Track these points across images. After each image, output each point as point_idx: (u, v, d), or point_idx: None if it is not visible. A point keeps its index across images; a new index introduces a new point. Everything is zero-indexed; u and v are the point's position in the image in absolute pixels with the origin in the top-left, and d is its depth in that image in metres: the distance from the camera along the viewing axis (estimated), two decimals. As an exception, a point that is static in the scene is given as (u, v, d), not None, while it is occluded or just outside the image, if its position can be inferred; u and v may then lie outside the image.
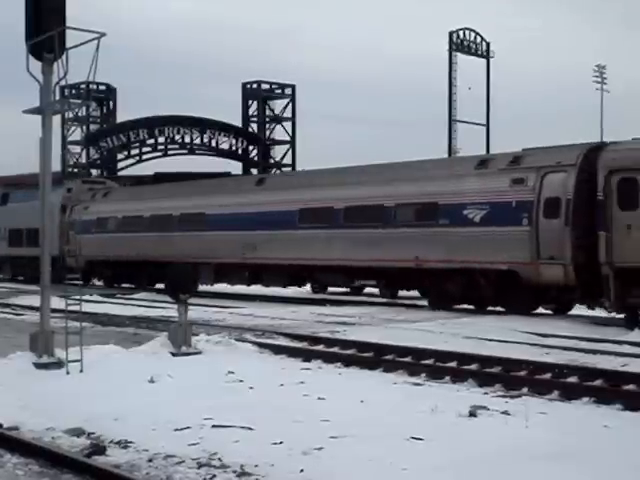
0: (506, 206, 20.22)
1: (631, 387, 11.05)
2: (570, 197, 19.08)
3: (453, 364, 13.11)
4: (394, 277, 23.91)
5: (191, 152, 58.42)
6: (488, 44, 65.06)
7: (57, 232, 35.80)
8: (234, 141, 58.88)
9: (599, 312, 20.11)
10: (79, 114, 49.13)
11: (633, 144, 18.85)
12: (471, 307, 22.25)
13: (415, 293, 25.24)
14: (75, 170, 55.08)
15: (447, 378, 12.19)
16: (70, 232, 34.51)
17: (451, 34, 63.44)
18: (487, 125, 64.58)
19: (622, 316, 18.30)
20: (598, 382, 11.49)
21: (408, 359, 13.79)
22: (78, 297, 12.83)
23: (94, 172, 56.41)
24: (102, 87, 57.20)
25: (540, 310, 21.02)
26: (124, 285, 32.79)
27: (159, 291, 28.79)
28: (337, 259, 24.26)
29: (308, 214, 25.36)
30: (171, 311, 17.96)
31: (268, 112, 61.48)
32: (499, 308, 21.39)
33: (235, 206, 28.10)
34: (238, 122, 60.43)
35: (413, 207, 22.79)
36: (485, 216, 20.71)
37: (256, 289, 30.43)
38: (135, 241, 30.35)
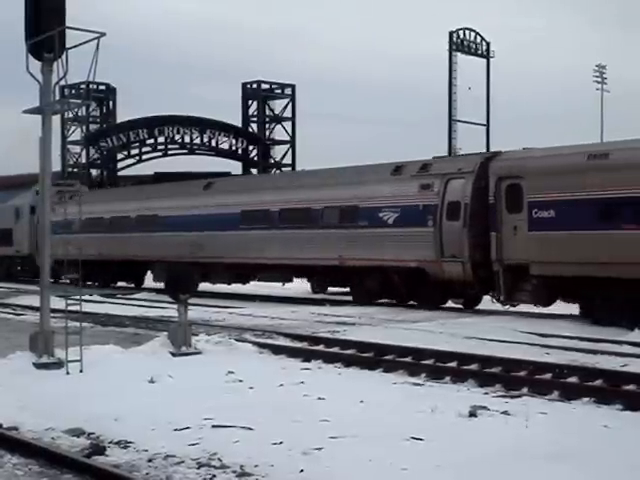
0: (415, 209, 22.16)
1: (631, 387, 11.04)
2: (467, 201, 21.01)
3: (453, 364, 13.10)
4: (323, 274, 25.78)
5: (191, 152, 58.31)
6: (488, 44, 64.99)
7: (27, 232, 37.66)
8: (234, 141, 58.77)
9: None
10: (79, 114, 49.12)
11: (520, 153, 20.98)
12: (477, 308, 22.27)
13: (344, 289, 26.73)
14: (75, 170, 55.04)
15: (447, 378, 12.18)
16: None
17: (451, 34, 63.34)
18: (487, 125, 64.50)
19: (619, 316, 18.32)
20: (598, 382, 11.48)
21: (408, 359, 13.78)
22: (78, 297, 12.82)
23: (94, 172, 56.35)
24: (102, 87, 57.15)
25: (541, 310, 21.00)
26: (88, 282, 32.98)
27: (159, 291, 29.21)
28: (274, 258, 26.05)
29: (248, 216, 27.31)
30: (171, 311, 17.98)
31: (268, 112, 61.36)
32: (499, 308, 21.44)
33: (185, 209, 30.02)
34: (238, 122, 60.34)
35: (337, 210, 24.73)
36: (397, 218, 22.67)
37: (256, 289, 30.47)
38: (97, 241, 31.52)
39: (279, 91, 61.65)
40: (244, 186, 29.94)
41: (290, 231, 25.68)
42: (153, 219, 31.33)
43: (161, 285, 30.66)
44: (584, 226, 18.54)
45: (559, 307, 20.86)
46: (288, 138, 61.29)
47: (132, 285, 34.10)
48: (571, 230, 18.80)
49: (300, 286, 29.26)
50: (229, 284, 29.51)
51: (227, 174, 48.64)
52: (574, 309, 20.17)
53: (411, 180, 22.59)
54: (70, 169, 55.18)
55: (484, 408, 9.45)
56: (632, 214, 17.91)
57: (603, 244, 18.11)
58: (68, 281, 14.71)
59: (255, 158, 59.87)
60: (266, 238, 26.41)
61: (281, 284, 29.28)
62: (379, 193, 23.33)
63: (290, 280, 28.02)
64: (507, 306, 20.63)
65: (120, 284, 34.51)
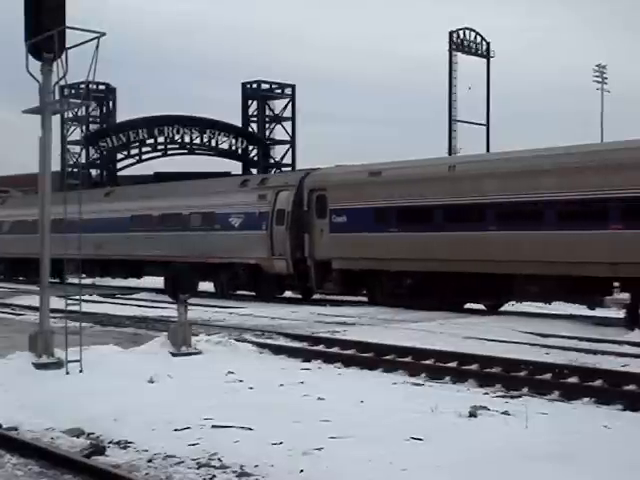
0: (254, 215, 26.87)
1: (631, 387, 11.04)
2: (290, 209, 25.67)
3: (453, 364, 13.09)
4: (194, 270, 28.88)
5: (191, 152, 58.34)
6: (488, 44, 65.04)
7: None
8: (234, 141, 58.79)
9: (599, 312, 20.11)
10: (79, 114, 49.01)
11: (325, 170, 26.23)
12: (477, 308, 22.27)
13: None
14: (75, 170, 54.99)
15: (447, 378, 12.18)
16: None
17: (451, 34, 63.39)
18: (487, 125, 64.55)
19: (620, 315, 18.32)
20: (598, 382, 11.48)
21: (408, 359, 13.77)
22: (78, 297, 12.81)
23: (94, 172, 56.36)
24: (102, 87, 57.17)
25: (540, 310, 21.01)
26: (20, 278, 38.23)
27: (159, 291, 29.30)
28: (157, 256, 30.10)
29: (136, 220, 32.20)
30: (171, 311, 17.95)
31: (268, 112, 61.41)
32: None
33: (89, 213, 33.19)
34: (238, 122, 60.40)
35: (200, 215, 29.36)
36: (242, 223, 27.46)
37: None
38: (24, 241, 34.92)
39: (279, 91, 61.70)
40: (135, 194, 34.40)
41: (167, 233, 30.51)
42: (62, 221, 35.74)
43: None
44: (365, 229, 23.61)
45: (559, 307, 20.87)
46: (288, 138, 61.31)
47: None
48: (356, 232, 23.82)
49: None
50: (125, 278, 34.23)
51: (227, 174, 48.66)
52: (573, 309, 20.21)
53: (252, 191, 27.55)
54: (70, 169, 55.07)
55: (484, 408, 9.44)
56: (396, 220, 22.93)
57: (378, 244, 23.08)
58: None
59: (255, 158, 59.89)
60: (150, 239, 30.96)
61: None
62: (229, 202, 28.06)
63: None
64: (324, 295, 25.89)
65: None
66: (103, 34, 11.79)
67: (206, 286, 28.33)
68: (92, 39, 11.81)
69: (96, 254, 31.32)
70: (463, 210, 21.35)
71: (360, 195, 23.81)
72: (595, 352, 14.18)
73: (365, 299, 24.86)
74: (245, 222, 27.21)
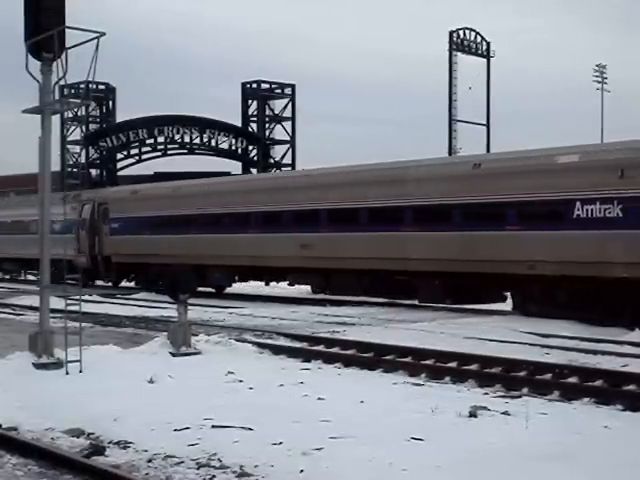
0: (70, 223, 32.48)
1: (631, 387, 11.03)
2: (88, 217, 34.30)
3: (453, 364, 13.08)
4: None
5: (191, 152, 58.23)
6: (488, 44, 64.96)
7: None
8: (234, 141, 58.68)
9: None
10: (78, 114, 48.98)
11: (109, 189, 37.99)
12: (477, 308, 22.28)
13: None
14: (74, 170, 54.98)
15: (447, 378, 12.18)
16: None
17: (451, 34, 63.31)
18: (487, 125, 64.50)
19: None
20: (598, 382, 11.47)
21: (408, 359, 13.77)
22: (77, 297, 12.80)
23: (93, 172, 56.30)
24: (101, 87, 57.10)
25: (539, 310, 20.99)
26: None
27: (159, 291, 29.41)
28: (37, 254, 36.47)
29: (14, 225, 41.18)
30: (170, 311, 17.96)
31: (268, 112, 61.29)
32: (502, 308, 21.50)
33: None
34: (238, 122, 60.27)
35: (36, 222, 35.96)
36: (61, 229, 32.87)
37: (256, 289, 30.47)
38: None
39: (279, 91, 61.58)
40: (12, 204, 43.25)
41: (19, 236, 39.08)
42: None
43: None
44: (130, 233, 32.27)
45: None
46: (288, 138, 61.26)
47: None
48: (125, 235, 32.57)
49: (300, 286, 29.32)
50: (19, 273, 42.94)
51: (227, 174, 48.62)
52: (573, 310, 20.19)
53: (70, 204, 33.29)
54: (70, 169, 55.09)
55: (484, 408, 9.44)
56: (149, 226, 31.42)
57: (139, 244, 31.55)
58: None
59: (255, 158, 59.83)
60: (26, 240, 36.75)
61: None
62: (55, 212, 31.38)
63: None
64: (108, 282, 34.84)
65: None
66: (103, 34, 11.78)
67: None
68: (92, 39, 11.81)
69: None
70: (183, 218, 30.44)
71: (127, 208, 32.94)
72: (595, 352, 14.17)
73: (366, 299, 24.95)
74: (64, 228, 34.59)
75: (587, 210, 18.61)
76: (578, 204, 18.73)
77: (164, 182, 34.88)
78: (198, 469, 7.20)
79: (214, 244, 28.57)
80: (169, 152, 57.64)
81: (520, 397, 10.58)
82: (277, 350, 14.90)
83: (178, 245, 29.88)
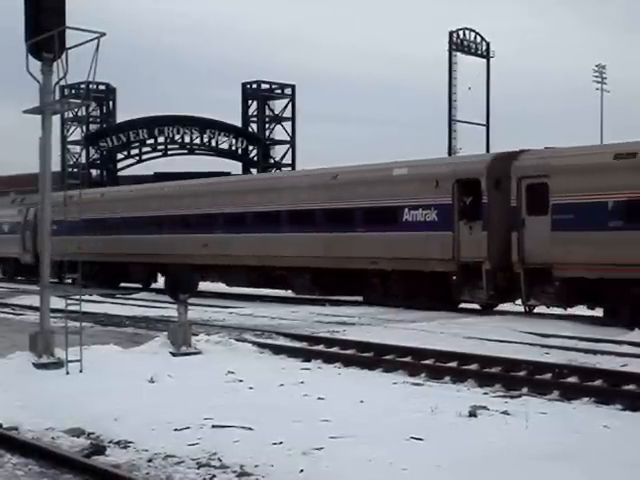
0: (15, 224, 38.61)
1: (631, 387, 11.03)
2: (32, 219, 35.41)
3: (453, 364, 13.09)
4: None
5: (191, 152, 58.24)
6: (488, 44, 64.98)
7: None
8: (234, 141, 58.70)
9: (599, 312, 20.10)
10: (79, 114, 48.97)
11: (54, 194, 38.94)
12: (478, 308, 22.32)
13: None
14: (75, 170, 55.00)
15: (447, 378, 12.18)
16: None
17: (451, 34, 63.31)
18: (487, 125, 64.50)
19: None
20: (598, 382, 11.48)
21: (408, 359, 13.78)
22: (78, 297, 12.81)
23: (94, 172, 56.32)
24: (102, 87, 57.10)
25: (541, 310, 21.00)
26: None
27: (159, 291, 29.40)
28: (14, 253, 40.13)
29: None
30: (171, 311, 17.95)
31: (268, 112, 61.32)
32: (502, 309, 21.53)
33: None
34: (238, 122, 60.28)
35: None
36: (9, 229, 39.23)
37: (256, 289, 30.47)
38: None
39: (279, 91, 61.59)
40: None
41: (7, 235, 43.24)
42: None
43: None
44: (63, 234, 33.41)
45: (559, 308, 20.83)
46: (288, 138, 61.25)
47: None
48: (60, 235, 32.91)
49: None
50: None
51: (227, 174, 48.64)
52: (573, 310, 20.21)
53: (17, 207, 39.44)
54: (70, 169, 55.06)
55: (484, 408, 9.45)
56: (84, 229, 31.11)
57: (74, 243, 32.47)
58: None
59: (255, 158, 59.83)
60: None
61: None
62: (3, 214, 40.40)
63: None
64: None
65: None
66: (103, 34, 11.78)
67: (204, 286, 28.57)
68: (92, 39, 11.81)
69: None
70: (109, 221, 33.91)
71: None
72: (595, 352, 14.17)
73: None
74: (11, 228, 40.01)
75: (413, 215, 22.68)
76: (406, 210, 22.79)
77: (94, 189, 38.66)
78: (198, 469, 7.21)
79: (134, 244, 32.54)
80: (169, 152, 57.65)
81: (520, 397, 10.59)
82: (277, 350, 14.91)
83: (104, 244, 33.66)
